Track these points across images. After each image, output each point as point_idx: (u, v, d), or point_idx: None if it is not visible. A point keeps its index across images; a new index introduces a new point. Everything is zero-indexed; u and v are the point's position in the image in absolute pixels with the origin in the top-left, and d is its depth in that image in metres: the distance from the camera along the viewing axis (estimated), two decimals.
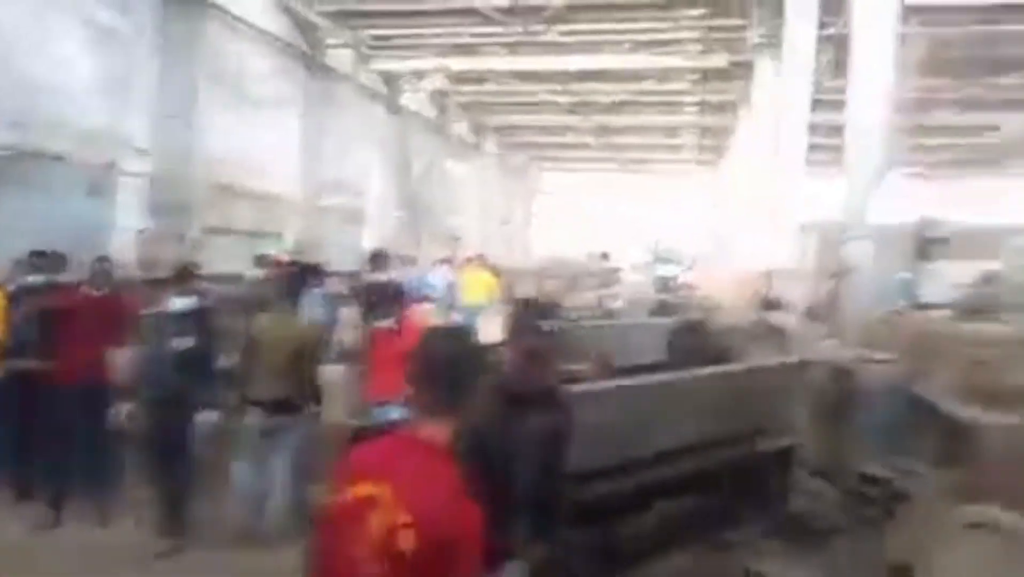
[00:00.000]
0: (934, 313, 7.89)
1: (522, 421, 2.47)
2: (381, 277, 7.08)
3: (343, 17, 15.60)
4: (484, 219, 27.00)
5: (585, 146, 28.13)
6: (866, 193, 6.85)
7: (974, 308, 8.30)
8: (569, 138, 27.10)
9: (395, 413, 3.87)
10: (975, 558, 3.62)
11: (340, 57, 16.71)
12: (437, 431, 1.75)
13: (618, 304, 11.81)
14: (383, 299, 4.70)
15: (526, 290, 11.93)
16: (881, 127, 7.07)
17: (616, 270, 18.76)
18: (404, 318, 4.54)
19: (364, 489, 1.67)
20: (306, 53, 15.31)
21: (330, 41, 16.09)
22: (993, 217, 17.99)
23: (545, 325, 2.71)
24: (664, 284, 14.47)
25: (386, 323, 4.59)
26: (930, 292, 8.30)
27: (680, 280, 15.15)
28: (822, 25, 11.39)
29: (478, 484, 1.69)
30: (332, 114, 16.32)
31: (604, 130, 24.94)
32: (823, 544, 5.13)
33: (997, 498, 3.68)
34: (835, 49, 11.46)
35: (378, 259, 7.53)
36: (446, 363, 1.80)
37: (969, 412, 4.56)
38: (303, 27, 15.05)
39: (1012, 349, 5.60)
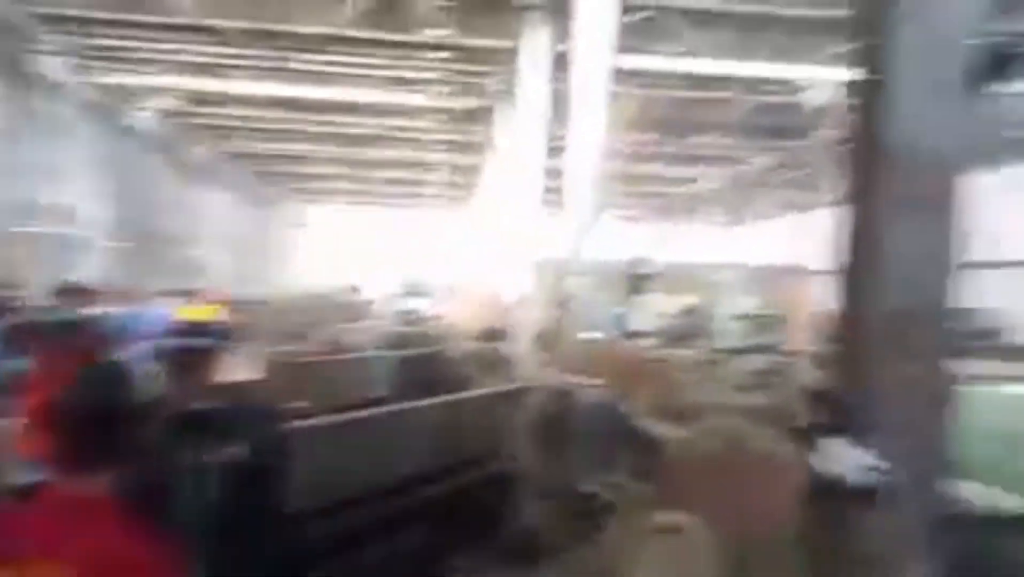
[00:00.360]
0: (643, 341, 8.88)
1: (194, 450, 2.28)
2: (81, 313, 6.23)
3: (54, 22, 13.76)
4: (232, 251, 25.41)
5: (341, 178, 27.79)
6: (582, 233, 7.52)
7: (676, 336, 9.51)
8: (324, 170, 26.56)
9: (32, 472, 3.36)
10: (661, 561, 4.04)
11: (52, 66, 14.80)
12: (93, 486, 1.54)
13: (363, 337, 11.65)
14: (55, 338, 4.13)
15: (276, 324, 11.34)
16: (594, 174, 7.82)
17: (367, 303, 18.66)
18: (62, 360, 3.97)
19: (27, 569, 1.43)
20: (5, 58, 13.36)
21: (37, 47, 14.19)
22: (692, 257, 21.12)
23: (202, 343, 2.55)
24: (408, 316, 14.63)
25: (42, 366, 4.02)
26: (639, 322, 9.31)
27: (428, 312, 15.44)
28: (554, 79, 12.32)
29: (151, 528, 1.53)
30: (40, 130, 14.36)
31: (359, 164, 24.84)
32: (547, 563, 5.40)
33: (679, 504, 4.15)
34: (562, 102, 12.49)
35: (68, 293, 6.42)
36: (93, 409, 1.59)
37: (659, 428, 5.12)
38: (2, 29, 13.14)
39: (698, 371, 6.46)
